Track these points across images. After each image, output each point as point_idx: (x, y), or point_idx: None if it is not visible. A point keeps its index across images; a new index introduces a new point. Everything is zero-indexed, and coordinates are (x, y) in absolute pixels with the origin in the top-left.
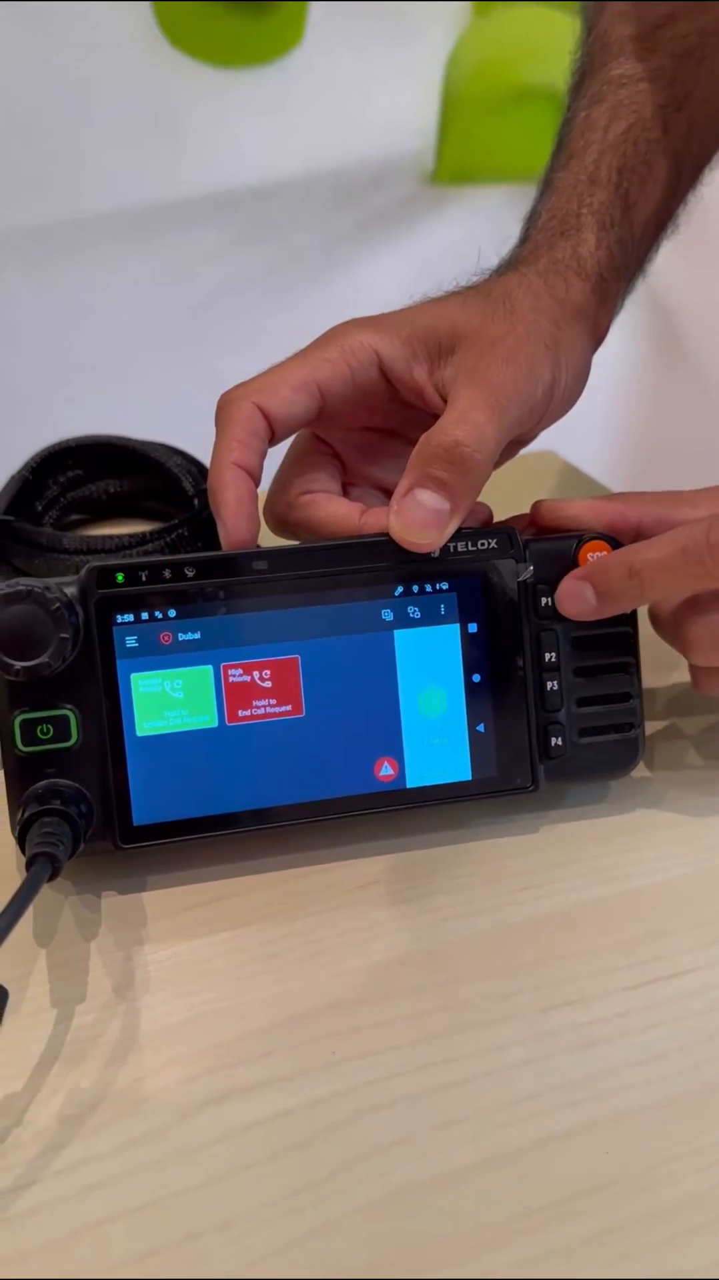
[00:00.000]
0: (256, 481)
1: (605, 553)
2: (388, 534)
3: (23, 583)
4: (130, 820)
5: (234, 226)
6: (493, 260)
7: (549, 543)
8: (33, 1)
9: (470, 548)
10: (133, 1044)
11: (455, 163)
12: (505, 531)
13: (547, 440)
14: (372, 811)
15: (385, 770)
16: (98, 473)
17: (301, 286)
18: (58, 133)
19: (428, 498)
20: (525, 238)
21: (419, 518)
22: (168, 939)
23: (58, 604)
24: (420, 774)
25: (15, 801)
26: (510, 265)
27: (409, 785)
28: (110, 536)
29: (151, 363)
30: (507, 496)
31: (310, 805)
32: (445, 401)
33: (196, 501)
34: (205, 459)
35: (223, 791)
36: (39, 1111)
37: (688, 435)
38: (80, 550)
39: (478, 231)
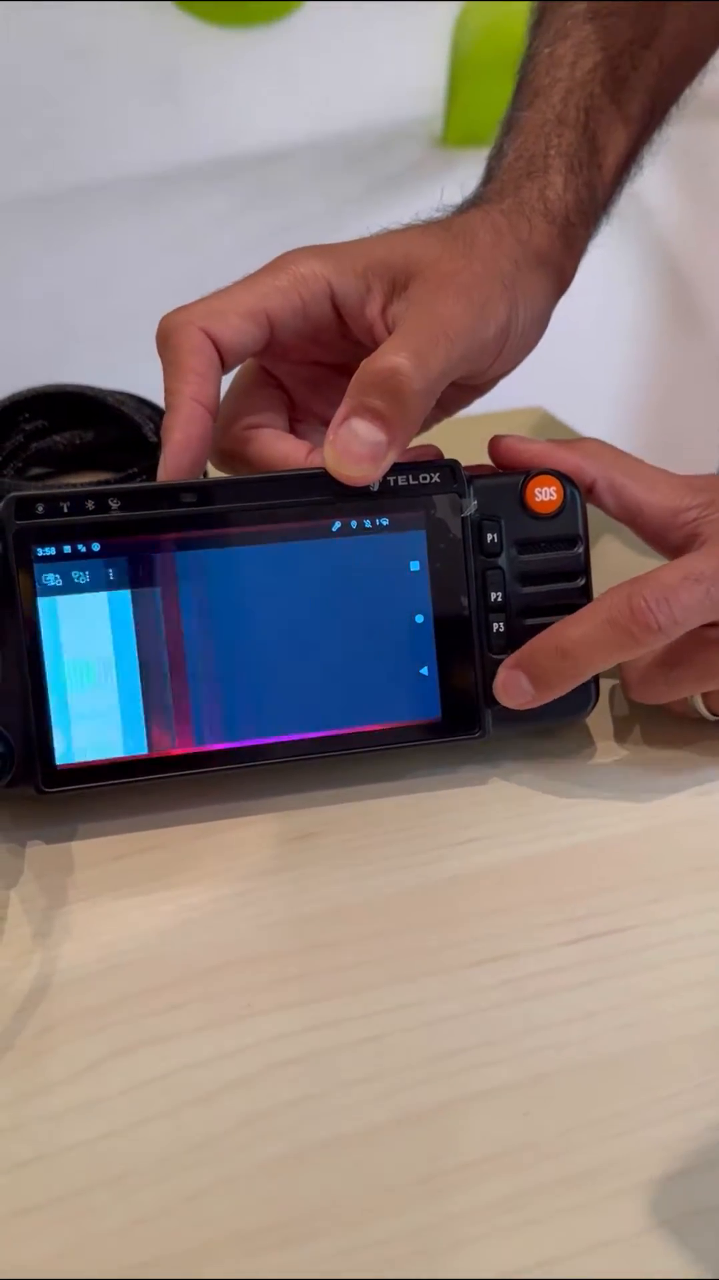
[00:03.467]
0: (213, 417)
1: (554, 488)
2: (324, 467)
3: None
4: (53, 764)
5: (240, 192)
6: (458, 198)
7: (495, 478)
8: None
9: (411, 482)
10: (43, 994)
11: (465, 125)
12: (448, 464)
13: (542, 397)
14: (310, 757)
15: (324, 715)
16: (60, 423)
17: None
18: (60, 98)
19: (363, 428)
20: (490, 177)
21: (354, 449)
22: (93, 889)
23: None
24: (360, 718)
25: None
26: (475, 203)
27: (349, 730)
28: (70, 485)
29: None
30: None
31: (245, 750)
32: None
33: (159, 451)
34: None
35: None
36: None
37: (699, 403)
38: None
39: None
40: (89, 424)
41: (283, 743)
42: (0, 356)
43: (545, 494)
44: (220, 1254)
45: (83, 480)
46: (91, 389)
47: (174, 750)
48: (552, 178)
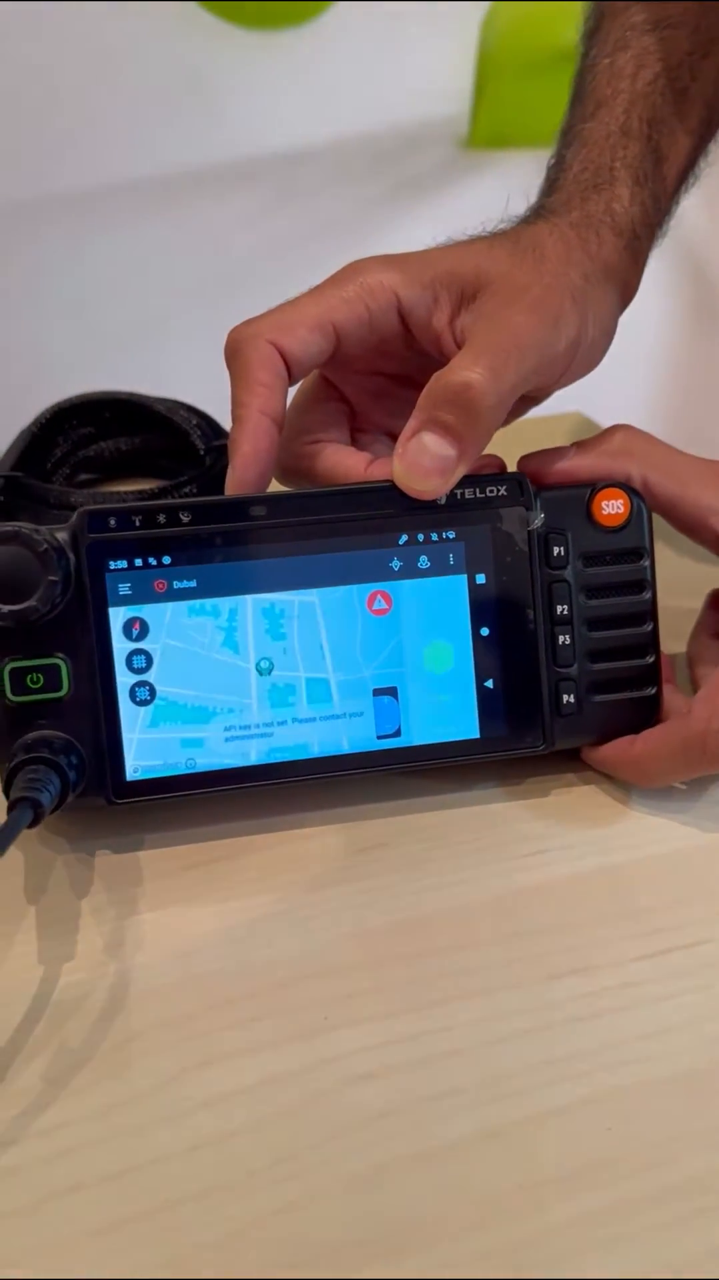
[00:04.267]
0: (280, 429)
1: (621, 500)
2: (392, 480)
3: (10, 525)
4: (124, 775)
5: (266, 193)
6: (521, 209)
7: (562, 490)
8: None
9: (479, 495)
10: (121, 1005)
11: (491, 127)
12: (515, 478)
13: (577, 401)
14: (376, 769)
15: (390, 727)
16: (108, 430)
17: (335, 254)
18: (89, 98)
19: (433, 442)
20: (553, 188)
21: (423, 463)
22: (163, 899)
23: (46, 546)
24: (426, 732)
25: (4, 752)
26: (540, 214)
27: (414, 743)
28: (118, 494)
29: (185, 332)
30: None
31: (311, 762)
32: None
33: (208, 459)
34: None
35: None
36: (22, 1070)
37: None
38: None
39: (514, 198)
40: (136, 431)
41: (351, 755)
42: (25, 357)
43: (612, 507)
44: (311, 1269)
45: (131, 487)
46: (139, 396)
47: (244, 762)
48: (618, 190)
